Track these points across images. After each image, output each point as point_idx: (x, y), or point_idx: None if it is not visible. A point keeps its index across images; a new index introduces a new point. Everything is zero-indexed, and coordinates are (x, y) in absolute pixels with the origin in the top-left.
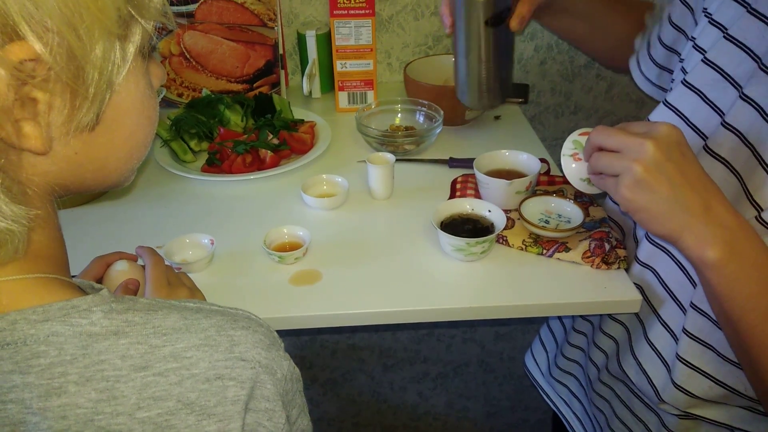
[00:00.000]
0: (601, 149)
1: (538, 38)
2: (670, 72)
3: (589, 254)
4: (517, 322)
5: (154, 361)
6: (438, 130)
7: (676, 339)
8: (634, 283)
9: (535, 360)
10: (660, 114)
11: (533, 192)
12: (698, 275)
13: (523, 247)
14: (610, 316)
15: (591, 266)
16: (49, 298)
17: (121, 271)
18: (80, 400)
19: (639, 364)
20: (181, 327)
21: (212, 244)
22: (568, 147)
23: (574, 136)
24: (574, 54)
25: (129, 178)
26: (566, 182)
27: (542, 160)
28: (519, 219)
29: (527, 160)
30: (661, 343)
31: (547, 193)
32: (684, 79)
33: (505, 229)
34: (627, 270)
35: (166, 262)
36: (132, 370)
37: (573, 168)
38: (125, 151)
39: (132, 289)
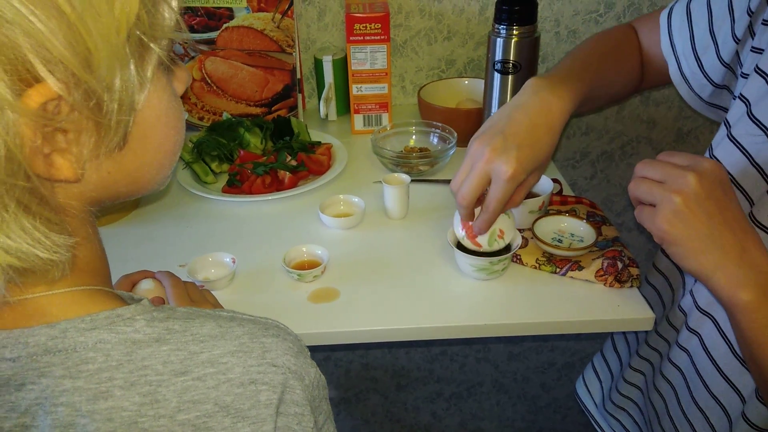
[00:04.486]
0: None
1: (549, 61)
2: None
3: (602, 273)
4: (531, 342)
5: (193, 366)
6: (452, 151)
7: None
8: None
9: (587, 389)
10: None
11: (546, 212)
12: (728, 317)
13: (537, 265)
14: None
15: (604, 285)
16: (95, 308)
17: (146, 289)
18: (125, 404)
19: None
20: (217, 334)
21: (234, 262)
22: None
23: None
24: None
25: (164, 183)
26: (579, 201)
27: (555, 181)
28: (532, 238)
29: (540, 181)
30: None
31: (559, 212)
32: (749, 110)
33: (518, 247)
34: (640, 289)
35: (191, 280)
36: (173, 375)
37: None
38: (156, 162)
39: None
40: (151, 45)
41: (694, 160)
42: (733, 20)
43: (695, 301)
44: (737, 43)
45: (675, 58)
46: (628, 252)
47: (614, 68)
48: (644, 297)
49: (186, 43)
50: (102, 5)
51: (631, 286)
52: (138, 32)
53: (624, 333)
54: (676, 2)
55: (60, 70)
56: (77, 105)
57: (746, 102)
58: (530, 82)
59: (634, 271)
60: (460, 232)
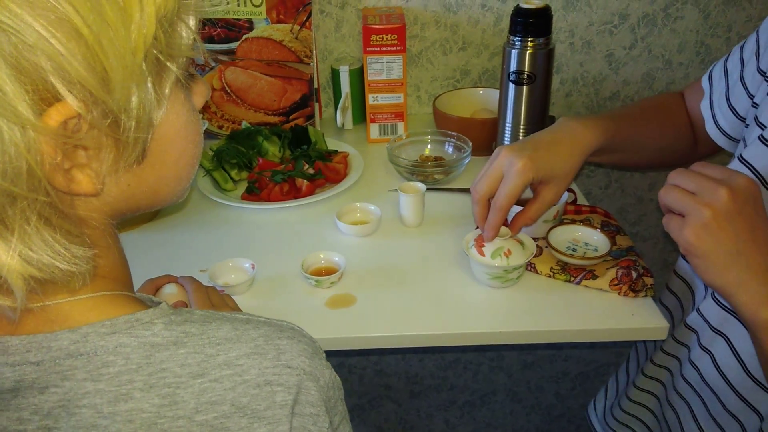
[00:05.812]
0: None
1: (563, 71)
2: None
3: (616, 282)
4: (544, 351)
5: (210, 368)
6: (467, 161)
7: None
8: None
9: (595, 407)
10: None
11: (560, 221)
12: (750, 335)
13: (551, 274)
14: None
15: (618, 294)
16: (115, 312)
17: (170, 294)
18: (145, 405)
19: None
20: (233, 337)
21: (253, 268)
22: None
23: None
24: (599, 86)
25: (183, 195)
26: (593, 211)
27: (569, 190)
28: (547, 247)
29: None
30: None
31: (574, 222)
32: (761, 135)
33: (533, 256)
34: (654, 298)
35: (211, 284)
36: (190, 377)
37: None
38: (175, 175)
39: None
40: (168, 64)
41: (729, 174)
42: (758, 55)
43: (707, 320)
44: (763, 75)
45: (711, 112)
46: (643, 261)
47: (656, 121)
48: (660, 306)
49: (206, 53)
50: (119, 27)
51: (646, 296)
52: (155, 51)
53: (637, 354)
54: (715, 64)
55: (79, 89)
56: (96, 123)
57: (762, 126)
58: (561, 118)
59: (649, 280)
60: (470, 240)
